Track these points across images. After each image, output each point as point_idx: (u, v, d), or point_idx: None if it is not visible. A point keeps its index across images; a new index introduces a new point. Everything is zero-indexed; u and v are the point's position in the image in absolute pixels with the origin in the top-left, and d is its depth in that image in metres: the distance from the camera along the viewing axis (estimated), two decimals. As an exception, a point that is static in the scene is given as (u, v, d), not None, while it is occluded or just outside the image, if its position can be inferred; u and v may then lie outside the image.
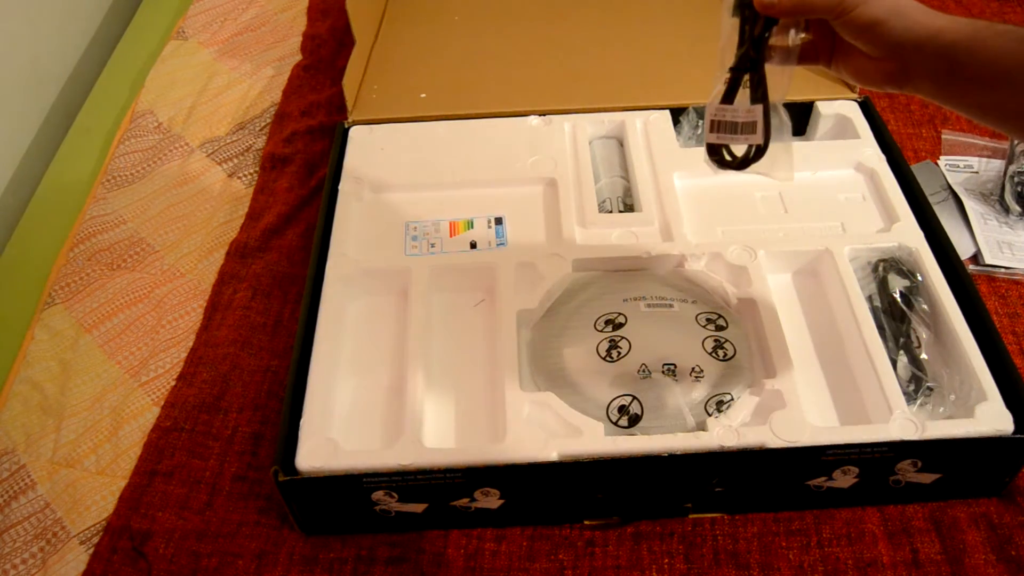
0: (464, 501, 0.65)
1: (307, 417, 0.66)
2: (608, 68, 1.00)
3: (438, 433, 0.68)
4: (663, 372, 0.67)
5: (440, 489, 0.64)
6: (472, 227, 0.81)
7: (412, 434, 0.65)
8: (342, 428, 0.68)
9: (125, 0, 1.37)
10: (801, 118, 0.94)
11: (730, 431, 0.63)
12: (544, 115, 0.92)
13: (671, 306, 0.72)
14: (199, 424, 0.76)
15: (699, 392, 0.66)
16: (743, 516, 0.68)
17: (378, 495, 0.64)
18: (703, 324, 0.71)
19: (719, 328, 0.70)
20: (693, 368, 0.67)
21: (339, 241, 0.79)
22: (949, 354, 0.69)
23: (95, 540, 0.69)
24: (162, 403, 0.78)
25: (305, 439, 0.65)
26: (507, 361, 0.69)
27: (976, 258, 0.86)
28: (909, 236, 0.77)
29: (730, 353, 0.69)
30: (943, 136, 1.00)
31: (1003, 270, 0.85)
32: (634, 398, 0.67)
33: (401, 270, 0.77)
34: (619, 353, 0.69)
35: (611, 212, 0.84)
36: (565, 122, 0.91)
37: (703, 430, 0.64)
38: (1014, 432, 0.63)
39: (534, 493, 0.65)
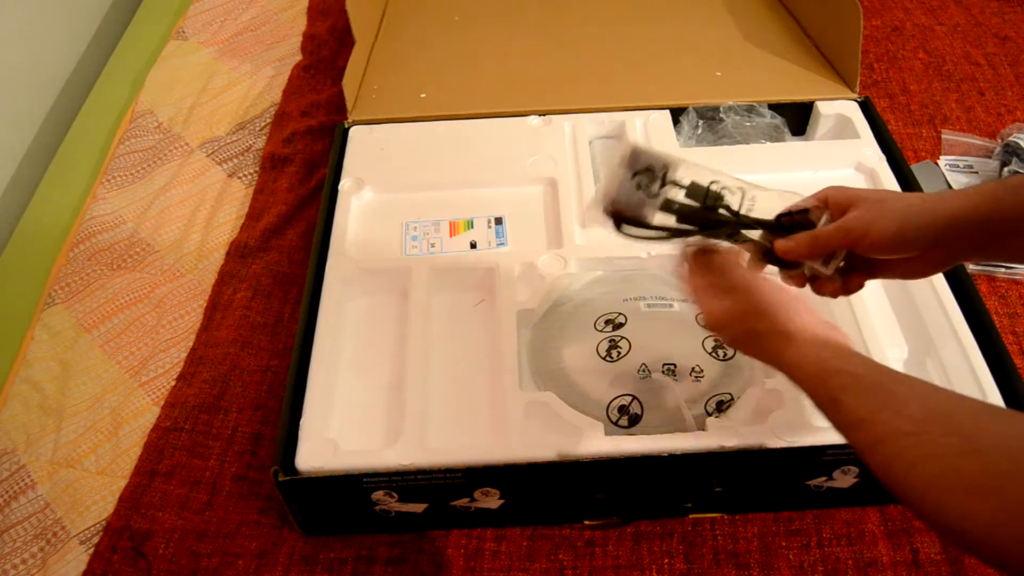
0: (464, 501, 0.65)
1: (307, 417, 0.66)
2: (608, 68, 1.00)
3: (438, 433, 0.68)
4: (663, 372, 0.67)
5: (440, 489, 0.64)
6: (472, 227, 0.81)
7: (412, 434, 0.65)
8: (342, 428, 0.68)
9: (125, 0, 1.37)
10: (801, 118, 0.94)
11: (730, 431, 0.63)
12: (544, 115, 0.92)
13: (671, 306, 0.72)
14: (199, 424, 0.76)
15: (699, 392, 0.66)
16: (743, 516, 0.68)
17: (378, 495, 0.64)
18: (703, 324, 0.70)
19: None
20: (693, 368, 0.67)
21: (339, 241, 0.79)
22: (949, 354, 0.69)
23: (95, 540, 0.69)
24: (162, 403, 0.78)
25: (305, 439, 0.65)
26: (507, 361, 0.69)
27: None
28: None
29: (730, 353, 0.69)
30: (943, 136, 1.00)
31: (1003, 270, 0.85)
32: (634, 398, 0.67)
33: (401, 270, 0.77)
34: (619, 353, 0.69)
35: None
36: (565, 122, 0.91)
37: (703, 430, 0.63)
38: (1014, 432, 0.63)
39: (534, 493, 0.65)
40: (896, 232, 0.48)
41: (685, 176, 0.54)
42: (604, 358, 0.69)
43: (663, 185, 0.54)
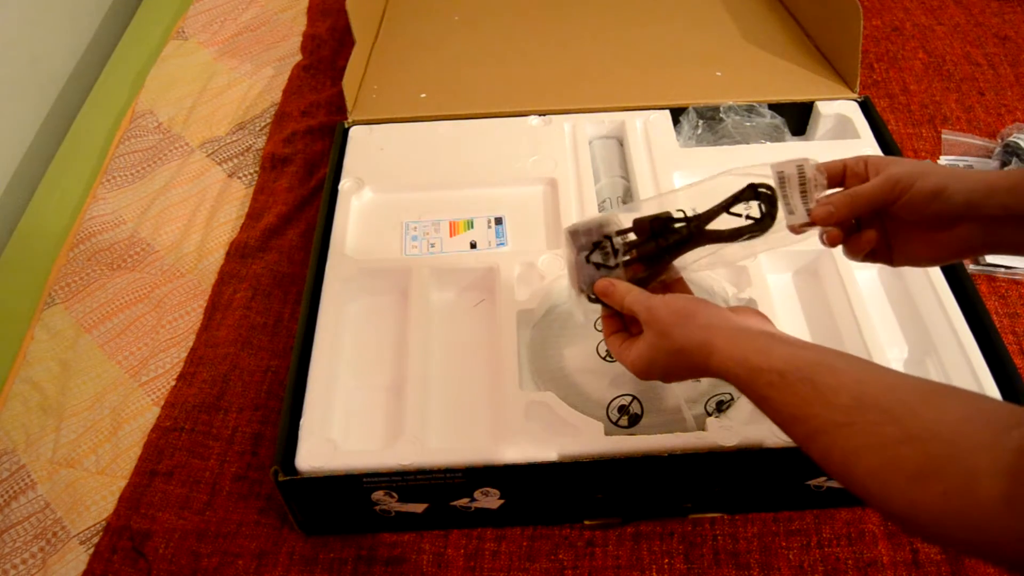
0: (464, 501, 0.65)
1: (307, 417, 0.66)
2: (608, 68, 1.00)
3: (438, 433, 0.68)
4: None
5: (440, 489, 0.64)
6: (472, 227, 0.81)
7: (412, 434, 0.65)
8: (342, 428, 0.68)
9: (125, 0, 1.37)
10: (801, 118, 0.94)
11: (730, 431, 0.63)
12: (544, 115, 0.92)
13: None
14: (199, 424, 0.76)
15: (699, 392, 0.66)
16: (743, 516, 0.68)
17: (378, 495, 0.64)
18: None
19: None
20: None
21: (339, 241, 0.79)
22: (949, 354, 0.69)
23: (95, 540, 0.69)
24: (162, 403, 0.78)
25: (305, 439, 0.65)
26: (507, 361, 0.69)
27: (976, 258, 0.86)
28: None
29: None
30: (943, 136, 1.00)
31: (1003, 270, 0.85)
32: (634, 398, 0.67)
33: (401, 270, 0.77)
34: None
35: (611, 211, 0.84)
36: (565, 122, 0.91)
37: (703, 430, 0.64)
38: (1014, 432, 0.63)
39: (534, 493, 0.65)
40: (937, 187, 0.48)
41: (624, 222, 0.55)
42: (604, 358, 0.69)
43: (613, 249, 0.55)
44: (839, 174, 0.53)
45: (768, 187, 0.53)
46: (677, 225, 0.55)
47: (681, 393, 0.66)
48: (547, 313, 0.74)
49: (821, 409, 0.41)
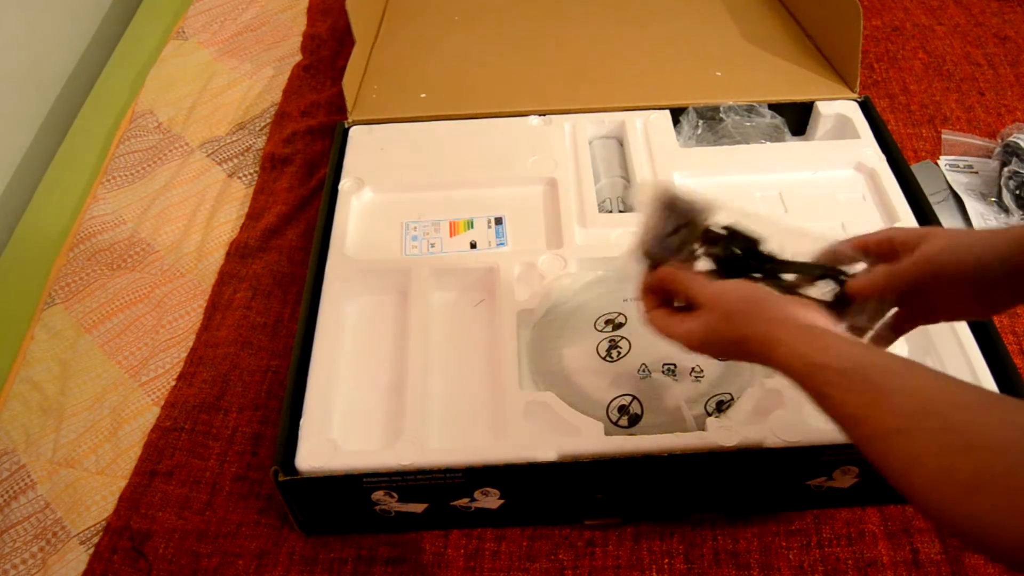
0: (464, 501, 0.65)
1: (307, 417, 0.66)
2: (608, 68, 1.00)
3: (438, 433, 0.67)
4: (663, 372, 0.67)
5: (440, 489, 0.64)
6: (472, 227, 0.81)
7: (412, 434, 0.65)
8: (342, 428, 0.68)
9: (125, 0, 1.37)
10: (801, 118, 0.94)
11: (730, 431, 0.63)
12: (544, 115, 0.92)
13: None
14: (199, 424, 0.76)
15: (699, 392, 0.66)
16: (743, 516, 0.68)
17: (378, 495, 0.64)
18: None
19: None
20: (693, 368, 0.67)
21: (339, 241, 0.79)
22: (949, 354, 0.69)
23: (95, 540, 0.70)
24: (162, 403, 0.78)
25: (305, 439, 0.65)
26: (507, 361, 0.69)
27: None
28: (909, 236, 0.77)
29: None
30: (943, 136, 1.00)
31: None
32: (634, 398, 0.67)
33: (401, 270, 0.77)
34: (619, 353, 0.69)
35: (611, 212, 0.84)
36: (565, 122, 0.91)
37: (703, 430, 0.64)
38: (1014, 432, 0.63)
39: (534, 493, 0.65)
40: (977, 262, 0.48)
41: (721, 221, 0.55)
42: (604, 358, 0.69)
43: (697, 238, 0.55)
44: (867, 251, 0.54)
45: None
46: (762, 255, 0.55)
47: (681, 393, 0.66)
48: (547, 313, 0.74)
49: (880, 412, 0.40)
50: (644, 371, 0.67)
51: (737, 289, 0.51)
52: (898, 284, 0.51)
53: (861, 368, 0.43)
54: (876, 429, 0.40)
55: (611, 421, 0.66)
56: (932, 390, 0.40)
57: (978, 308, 0.51)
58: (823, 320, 0.49)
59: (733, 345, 0.50)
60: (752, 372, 0.68)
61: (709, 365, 0.68)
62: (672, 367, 0.67)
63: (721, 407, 0.65)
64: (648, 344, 0.69)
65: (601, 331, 0.70)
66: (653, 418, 0.66)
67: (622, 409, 0.66)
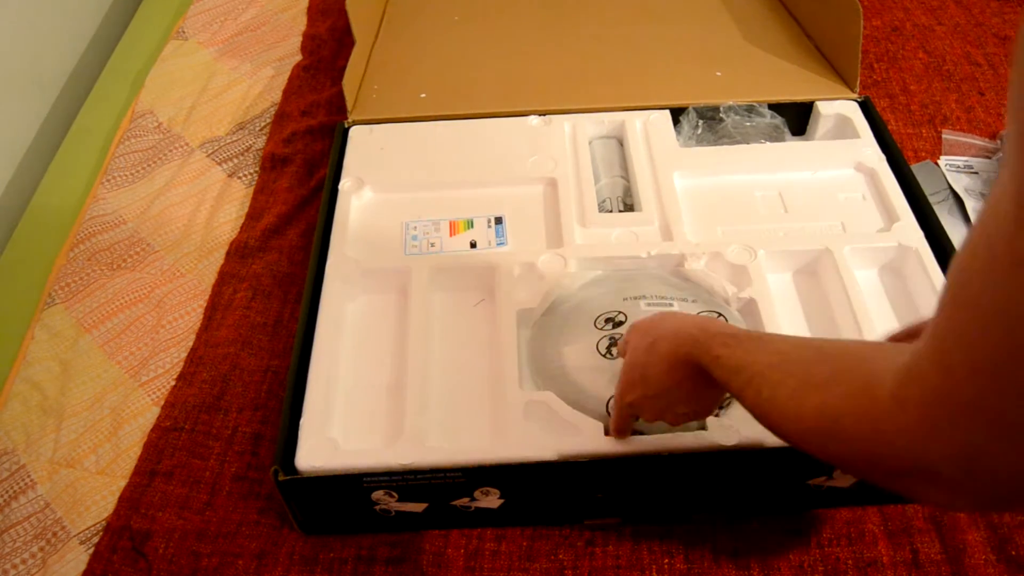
0: (464, 501, 0.65)
1: (307, 416, 0.66)
2: (608, 68, 1.00)
3: (438, 432, 0.67)
4: None
5: (440, 489, 0.64)
6: (472, 227, 0.81)
7: (412, 433, 0.65)
8: (342, 427, 0.68)
9: (125, 0, 1.37)
10: (801, 118, 0.94)
11: (730, 431, 0.63)
12: (544, 115, 0.92)
13: (671, 305, 0.72)
14: (199, 424, 0.76)
15: None
16: (743, 516, 0.68)
17: (378, 495, 0.64)
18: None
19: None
20: None
21: (339, 241, 0.79)
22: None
23: (95, 540, 0.69)
24: (162, 403, 0.78)
25: (305, 438, 0.65)
26: (507, 361, 0.69)
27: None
28: (909, 236, 0.77)
29: None
30: (943, 136, 1.00)
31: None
32: None
33: (401, 269, 0.77)
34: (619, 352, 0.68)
35: (611, 212, 0.84)
36: (565, 122, 0.91)
37: (703, 429, 0.63)
38: (1014, 432, 0.63)
39: (534, 493, 0.65)
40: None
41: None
42: (604, 355, 0.69)
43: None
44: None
45: None
46: None
47: None
48: (547, 312, 0.74)
49: (763, 356, 0.46)
50: None
51: (634, 331, 0.59)
52: None
53: (751, 333, 0.51)
54: (758, 369, 0.46)
55: (610, 416, 0.65)
56: (811, 339, 0.48)
57: None
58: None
59: (646, 351, 0.56)
60: None
61: None
62: None
63: (721, 405, 0.65)
64: None
65: (601, 329, 0.70)
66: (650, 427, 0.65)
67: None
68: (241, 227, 0.94)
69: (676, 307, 0.71)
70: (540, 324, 0.73)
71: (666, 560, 0.66)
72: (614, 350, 0.68)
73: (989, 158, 0.97)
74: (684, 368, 0.53)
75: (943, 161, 0.97)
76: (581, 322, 0.71)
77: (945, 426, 0.33)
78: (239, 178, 1.01)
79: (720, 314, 0.71)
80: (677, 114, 0.92)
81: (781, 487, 0.67)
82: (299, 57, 1.18)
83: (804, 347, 0.46)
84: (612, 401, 0.62)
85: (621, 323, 0.70)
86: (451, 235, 0.80)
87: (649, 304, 0.71)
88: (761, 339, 0.49)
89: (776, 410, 0.44)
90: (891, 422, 0.35)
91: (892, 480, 0.38)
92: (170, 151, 1.05)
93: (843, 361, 0.41)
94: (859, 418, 0.37)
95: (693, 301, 0.72)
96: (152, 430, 0.76)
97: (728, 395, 0.65)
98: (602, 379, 0.67)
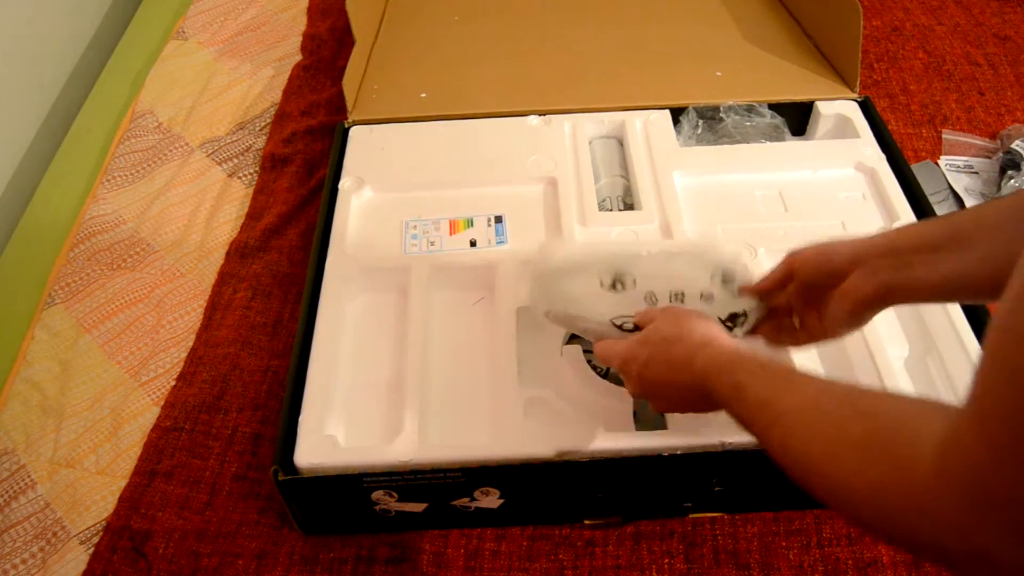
0: (464, 501, 0.65)
1: (306, 414, 0.66)
2: (608, 68, 1.00)
3: (437, 430, 0.68)
4: (671, 299, 0.63)
5: (440, 489, 0.64)
6: (472, 225, 0.81)
7: (411, 431, 0.65)
8: (342, 425, 0.68)
9: (125, 0, 1.37)
10: (801, 118, 0.94)
11: (730, 429, 0.63)
12: (544, 115, 0.92)
13: (673, 261, 0.66)
14: (199, 424, 0.76)
15: (710, 311, 0.61)
16: (743, 516, 0.68)
17: (378, 495, 0.64)
18: (712, 269, 0.64)
19: (727, 276, 0.64)
20: (702, 293, 0.63)
21: (339, 240, 0.79)
22: (950, 353, 0.69)
23: (95, 540, 0.69)
24: (162, 403, 0.78)
25: (304, 436, 0.65)
26: (506, 359, 0.69)
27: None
28: (909, 236, 0.77)
29: (737, 289, 0.63)
30: (943, 136, 1.00)
31: (1003, 270, 0.85)
32: None
33: (401, 268, 0.77)
34: (623, 286, 0.64)
35: (611, 211, 0.84)
36: (565, 122, 0.91)
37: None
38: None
39: (534, 493, 0.65)
40: (823, 248, 0.56)
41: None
42: (609, 289, 0.64)
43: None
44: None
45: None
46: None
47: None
48: (545, 268, 0.69)
49: (790, 396, 0.44)
50: (651, 299, 0.63)
51: (664, 310, 0.58)
52: (770, 281, 0.60)
53: (780, 366, 0.48)
54: (783, 410, 0.43)
55: (616, 327, 0.62)
56: (838, 384, 0.44)
57: (838, 301, 0.55)
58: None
59: (659, 346, 0.55)
60: (766, 304, 0.63)
61: (720, 292, 0.62)
62: (680, 295, 0.63)
63: (736, 320, 0.61)
64: (656, 279, 0.64)
65: (604, 273, 0.65)
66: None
67: (626, 318, 0.62)
68: (241, 227, 0.94)
69: (683, 256, 0.67)
70: (538, 274, 0.68)
71: (666, 560, 0.66)
72: (619, 285, 0.64)
73: (989, 158, 0.97)
74: (696, 386, 0.52)
75: (943, 161, 0.97)
76: (584, 269, 0.66)
77: (993, 504, 0.31)
78: (239, 178, 1.01)
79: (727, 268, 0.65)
80: (677, 114, 0.92)
81: (781, 487, 0.66)
82: (299, 57, 1.18)
83: (834, 396, 0.42)
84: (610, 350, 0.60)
85: (625, 271, 0.65)
86: (451, 234, 0.80)
87: (650, 253, 0.67)
88: (787, 376, 0.46)
89: (810, 467, 0.41)
90: (934, 497, 0.33)
91: (944, 560, 0.35)
92: (170, 151, 1.05)
93: (879, 421, 0.38)
94: (899, 491, 0.35)
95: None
96: (152, 430, 0.76)
97: (744, 312, 0.62)
98: (605, 305, 0.63)
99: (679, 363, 0.53)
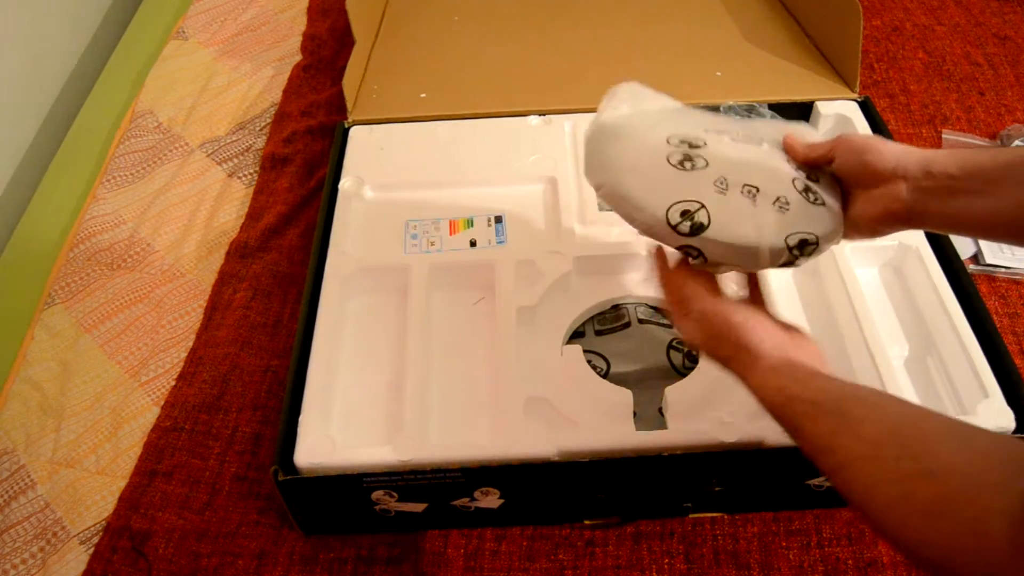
0: (464, 501, 0.65)
1: (306, 414, 0.66)
2: (608, 68, 1.00)
3: (438, 430, 0.68)
4: (743, 193, 0.55)
5: (440, 489, 0.64)
6: (472, 225, 0.81)
7: (412, 431, 0.65)
8: (341, 425, 0.68)
9: (125, 0, 1.37)
10: (801, 118, 0.94)
11: (730, 429, 0.63)
12: (544, 115, 0.92)
13: (761, 144, 0.60)
14: (199, 424, 0.76)
15: (783, 221, 0.55)
16: (743, 516, 0.68)
17: (378, 495, 0.64)
18: (795, 168, 0.57)
19: (812, 179, 0.57)
20: (778, 197, 0.55)
21: (339, 240, 0.79)
22: (950, 353, 0.69)
23: (95, 540, 0.69)
24: (162, 403, 0.78)
25: (304, 436, 0.65)
26: (507, 358, 0.69)
27: (976, 258, 0.86)
28: (910, 235, 0.77)
29: (820, 200, 0.56)
30: (943, 136, 1.00)
31: (1003, 270, 0.85)
32: (703, 206, 0.54)
33: (401, 268, 0.77)
34: (693, 166, 0.56)
35: (611, 210, 0.83)
36: (565, 122, 0.91)
37: (778, 265, 0.55)
38: (1015, 430, 0.63)
39: (534, 493, 0.65)
40: (870, 142, 0.53)
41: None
42: (676, 167, 0.56)
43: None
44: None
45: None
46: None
47: (759, 215, 0.55)
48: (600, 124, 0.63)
49: (847, 440, 0.42)
50: (722, 184, 0.55)
51: (727, 313, 0.53)
52: (817, 151, 0.57)
53: (832, 400, 0.45)
54: (843, 457, 0.42)
55: (669, 224, 0.54)
56: (896, 418, 0.41)
57: (865, 202, 0.54)
58: (806, 353, 0.51)
59: (716, 359, 0.54)
60: (843, 226, 0.57)
61: (797, 201, 0.56)
62: (754, 190, 0.55)
63: (804, 248, 0.54)
64: (730, 164, 0.57)
65: (676, 146, 0.58)
66: (720, 234, 0.54)
67: (685, 214, 0.54)
68: (241, 227, 0.94)
69: (766, 148, 0.59)
70: (591, 133, 0.62)
71: (666, 560, 0.66)
72: (687, 164, 0.57)
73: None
74: (751, 391, 0.51)
75: (943, 161, 0.97)
76: (648, 131, 0.60)
77: None
78: (239, 178, 1.01)
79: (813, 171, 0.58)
80: (677, 114, 0.92)
81: (781, 487, 0.67)
82: (299, 57, 1.18)
83: (894, 444, 0.40)
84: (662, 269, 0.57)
85: (699, 147, 0.58)
86: (451, 234, 0.80)
87: (734, 140, 0.60)
88: (842, 413, 0.43)
89: (875, 516, 0.40)
90: (1007, 571, 0.32)
91: None
92: (170, 151, 1.05)
93: (950, 482, 0.36)
94: (970, 560, 0.34)
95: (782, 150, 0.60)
96: (152, 430, 0.76)
97: (816, 239, 0.57)
98: (662, 186, 0.56)
99: (735, 377, 0.52)
